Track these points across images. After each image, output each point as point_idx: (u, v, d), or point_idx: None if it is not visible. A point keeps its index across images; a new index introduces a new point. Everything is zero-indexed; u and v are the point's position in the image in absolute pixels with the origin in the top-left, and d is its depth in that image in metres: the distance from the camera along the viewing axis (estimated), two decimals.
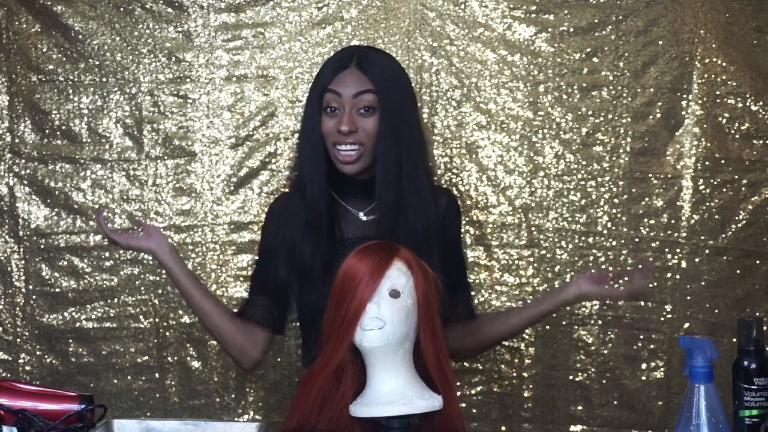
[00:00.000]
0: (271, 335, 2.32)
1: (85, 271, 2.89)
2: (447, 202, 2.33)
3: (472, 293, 2.49)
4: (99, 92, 2.90)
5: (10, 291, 2.90)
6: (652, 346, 2.88)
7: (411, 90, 2.27)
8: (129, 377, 2.90)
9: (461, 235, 2.47)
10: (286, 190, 2.43)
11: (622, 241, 2.88)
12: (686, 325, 2.87)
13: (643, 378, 2.89)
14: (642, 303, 2.88)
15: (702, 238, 2.87)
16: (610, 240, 2.88)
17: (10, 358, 2.90)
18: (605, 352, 2.89)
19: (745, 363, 1.74)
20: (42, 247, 2.89)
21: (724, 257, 2.87)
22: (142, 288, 2.90)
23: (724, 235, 2.86)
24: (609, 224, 2.88)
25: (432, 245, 2.20)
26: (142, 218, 2.54)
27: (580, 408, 2.90)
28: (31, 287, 2.89)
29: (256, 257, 2.36)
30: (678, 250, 2.87)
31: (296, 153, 2.32)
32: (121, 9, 2.88)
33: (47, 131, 2.90)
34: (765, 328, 1.79)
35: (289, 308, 2.32)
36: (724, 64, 2.85)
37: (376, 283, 1.77)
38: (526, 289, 2.89)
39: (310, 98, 2.24)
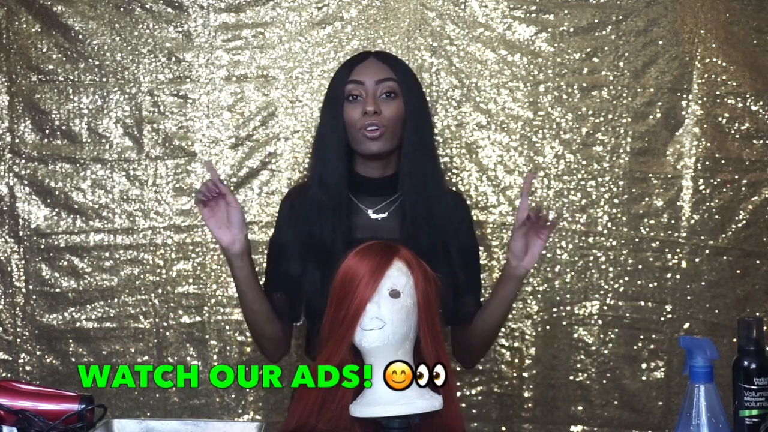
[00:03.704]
0: (291, 327, 2.38)
1: (85, 271, 2.89)
2: (455, 201, 2.39)
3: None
4: (99, 92, 2.90)
5: (10, 291, 2.90)
6: (652, 346, 2.88)
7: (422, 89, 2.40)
8: None
9: (473, 237, 2.46)
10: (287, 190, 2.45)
11: (622, 241, 2.88)
12: (686, 325, 2.87)
13: (644, 378, 2.89)
14: (642, 303, 2.88)
15: (702, 238, 2.87)
16: (610, 240, 2.88)
17: (10, 358, 2.90)
18: (605, 352, 2.89)
19: (745, 363, 1.74)
20: (42, 247, 2.89)
21: (724, 257, 2.87)
22: (142, 288, 2.90)
23: (724, 235, 2.86)
24: (609, 224, 2.88)
25: (452, 236, 2.28)
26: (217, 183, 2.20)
27: (580, 408, 2.90)
28: (31, 287, 2.89)
29: (268, 254, 2.39)
30: (678, 250, 2.87)
31: (314, 147, 2.36)
32: (121, 9, 2.88)
33: (47, 131, 2.90)
34: (765, 328, 1.79)
35: (303, 297, 2.33)
36: (724, 64, 2.85)
37: (376, 283, 1.77)
38: (526, 289, 2.89)
39: (331, 93, 2.32)
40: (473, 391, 2.91)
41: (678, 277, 2.88)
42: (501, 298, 2.25)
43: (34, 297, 2.89)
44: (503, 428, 2.92)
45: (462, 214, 2.40)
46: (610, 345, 2.89)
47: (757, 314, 2.83)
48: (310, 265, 2.24)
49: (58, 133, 2.90)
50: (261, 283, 2.37)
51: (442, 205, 2.30)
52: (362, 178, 2.29)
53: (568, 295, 2.89)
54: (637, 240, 2.88)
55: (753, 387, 1.72)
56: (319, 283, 2.20)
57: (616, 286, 2.88)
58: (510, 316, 2.88)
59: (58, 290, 2.90)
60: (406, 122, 2.27)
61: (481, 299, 2.43)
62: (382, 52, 2.43)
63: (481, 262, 2.88)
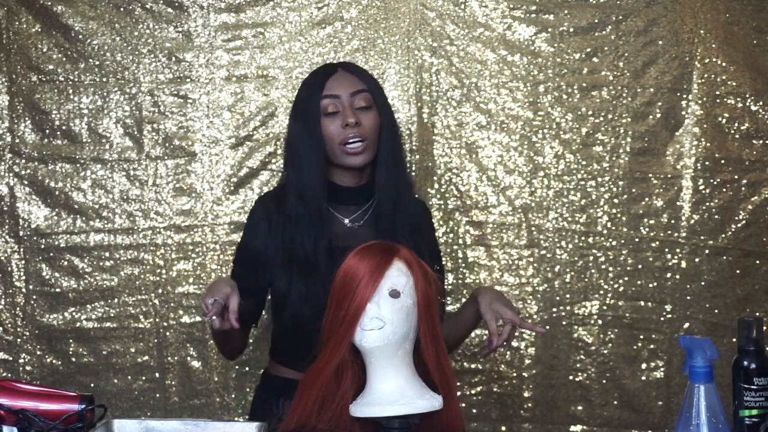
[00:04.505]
0: (250, 328, 2.39)
1: (85, 271, 2.89)
2: (421, 206, 2.44)
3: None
4: (99, 92, 2.90)
5: (11, 291, 2.90)
6: (652, 346, 2.88)
7: None
8: (129, 377, 2.90)
9: (436, 239, 2.49)
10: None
11: (622, 241, 2.88)
12: (686, 325, 2.88)
13: (643, 378, 2.89)
14: (642, 303, 2.89)
15: (702, 238, 2.87)
16: (610, 240, 2.88)
17: (11, 358, 2.90)
18: (605, 352, 2.89)
19: (745, 363, 1.74)
20: (42, 247, 2.89)
21: (724, 257, 2.87)
22: (142, 288, 2.90)
23: (724, 235, 2.87)
24: (609, 224, 2.89)
25: (423, 240, 2.30)
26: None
27: (580, 408, 2.91)
28: (31, 287, 2.89)
29: (235, 259, 2.36)
30: (678, 250, 2.88)
31: (288, 159, 2.34)
32: (121, 9, 2.88)
33: (47, 131, 2.90)
34: (765, 328, 1.79)
35: (265, 305, 2.37)
36: (724, 64, 2.85)
37: (376, 283, 1.77)
38: (526, 289, 2.89)
39: (303, 107, 2.30)
40: (473, 391, 2.91)
41: (678, 277, 2.88)
42: (464, 320, 2.30)
43: (34, 297, 2.89)
44: (503, 428, 2.92)
45: (427, 219, 2.44)
46: (610, 345, 2.89)
47: (757, 314, 2.83)
48: (294, 276, 2.26)
49: (58, 133, 2.90)
50: None
51: (414, 210, 2.35)
52: (339, 188, 2.31)
53: (568, 295, 2.89)
54: (637, 240, 2.88)
55: (753, 387, 1.72)
56: (304, 293, 2.23)
57: (616, 286, 2.88)
58: None
59: (58, 290, 2.90)
60: (381, 131, 2.29)
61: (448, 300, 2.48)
62: (348, 63, 2.41)
63: (481, 262, 2.90)
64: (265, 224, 2.31)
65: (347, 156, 2.25)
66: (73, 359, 2.90)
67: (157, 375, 2.90)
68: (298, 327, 2.28)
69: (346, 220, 2.31)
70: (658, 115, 2.88)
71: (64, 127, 2.90)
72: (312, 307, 2.22)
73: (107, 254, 2.90)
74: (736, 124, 2.86)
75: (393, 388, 1.76)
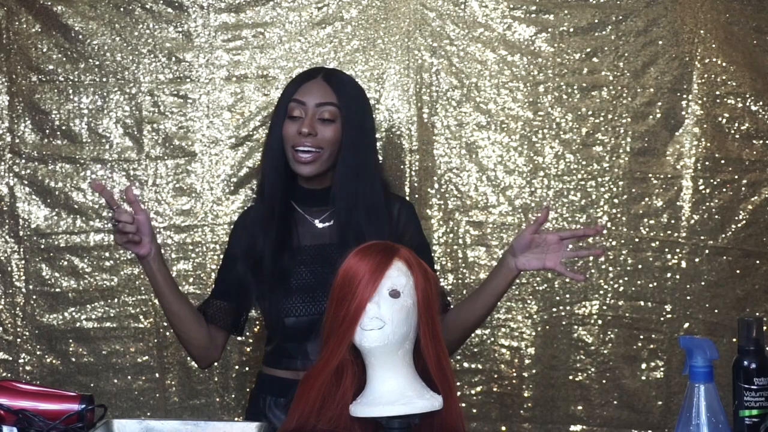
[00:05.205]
0: (227, 336, 2.44)
1: (85, 271, 2.89)
2: (398, 208, 2.43)
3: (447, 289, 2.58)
4: (99, 92, 2.90)
5: (10, 291, 2.90)
6: (652, 346, 2.88)
7: (371, 110, 2.44)
8: (129, 377, 2.90)
9: (421, 236, 2.48)
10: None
11: (622, 241, 2.88)
12: (686, 325, 2.87)
13: (643, 378, 2.89)
14: (642, 303, 2.89)
15: (702, 238, 2.87)
16: (610, 240, 2.88)
17: (11, 358, 2.90)
18: (605, 352, 2.89)
19: (745, 363, 1.74)
20: (42, 247, 2.89)
21: (724, 257, 2.87)
22: (142, 288, 2.90)
23: (724, 235, 2.87)
24: (609, 224, 2.88)
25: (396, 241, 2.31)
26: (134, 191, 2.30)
27: (580, 408, 2.91)
28: (31, 287, 2.89)
29: (220, 264, 2.48)
30: (678, 250, 2.88)
31: (261, 158, 2.45)
32: (121, 9, 2.88)
33: (47, 131, 2.90)
34: (765, 328, 1.79)
35: (248, 311, 2.45)
36: (724, 64, 2.85)
37: (376, 283, 1.77)
38: (527, 289, 2.89)
39: (276, 108, 2.39)
40: (473, 391, 2.91)
41: (678, 277, 2.88)
42: (484, 293, 2.29)
43: (34, 297, 2.89)
44: (503, 428, 2.92)
45: (406, 219, 2.43)
46: (610, 345, 2.89)
47: (757, 314, 2.83)
48: (249, 271, 2.34)
49: (58, 133, 2.90)
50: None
51: (374, 220, 2.34)
52: (305, 191, 2.37)
53: (568, 295, 2.89)
54: (637, 240, 2.88)
55: (753, 387, 1.72)
56: (258, 288, 2.33)
57: (616, 286, 2.88)
58: (510, 315, 2.88)
59: (58, 290, 2.90)
60: (341, 145, 2.33)
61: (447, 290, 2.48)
62: (332, 72, 2.44)
63: (481, 262, 2.90)
64: (240, 231, 2.43)
65: (296, 163, 2.32)
66: (73, 359, 2.90)
67: (157, 375, 2.90)
68: (268, 322, 2.38)
69: (317, 221, 2.37)
70: (658, 115, 2.87)
71: (64, 127, 2.90)
72: (272, 303, 2.28)
73: (107, 254, 2.90)
74: (736, 124, 2.86)
75: (393, 388, 1.76)
